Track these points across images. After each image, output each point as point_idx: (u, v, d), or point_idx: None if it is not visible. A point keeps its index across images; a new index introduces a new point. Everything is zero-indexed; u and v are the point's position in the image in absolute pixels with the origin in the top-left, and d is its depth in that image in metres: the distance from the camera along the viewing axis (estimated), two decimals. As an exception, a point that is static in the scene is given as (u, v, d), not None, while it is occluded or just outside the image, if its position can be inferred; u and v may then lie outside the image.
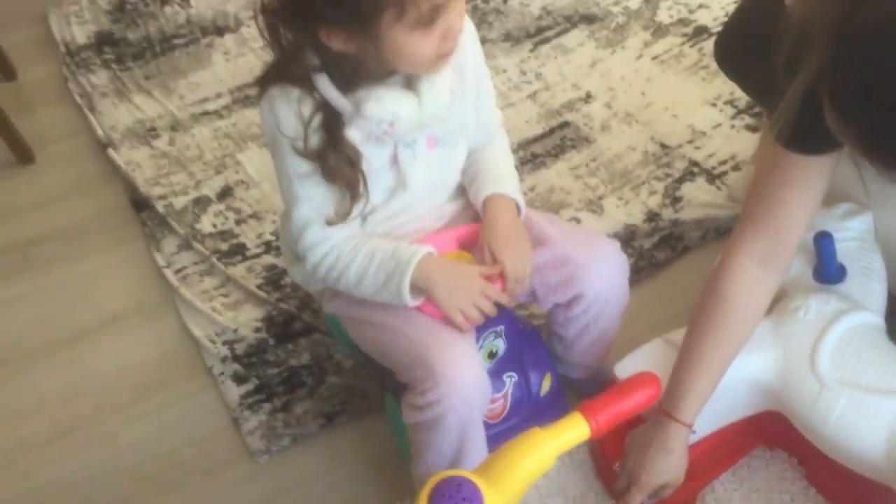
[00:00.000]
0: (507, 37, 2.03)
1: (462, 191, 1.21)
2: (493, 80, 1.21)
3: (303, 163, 1.05)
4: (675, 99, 1.84)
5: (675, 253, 1.57)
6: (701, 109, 1.81)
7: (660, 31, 2.00)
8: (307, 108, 1.02)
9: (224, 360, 1.50)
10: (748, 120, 1.77)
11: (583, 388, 1.34)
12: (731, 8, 2.00)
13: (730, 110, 1.79)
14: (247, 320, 1.55)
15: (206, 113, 1.96)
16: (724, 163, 1.70)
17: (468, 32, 1.08)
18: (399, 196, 1.12)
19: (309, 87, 1.01)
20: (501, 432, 1.22)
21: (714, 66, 1.84)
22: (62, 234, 1.76)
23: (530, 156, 1.76)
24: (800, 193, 1.06)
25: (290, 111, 1.02)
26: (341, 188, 1.07)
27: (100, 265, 1.70)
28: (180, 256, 1.68)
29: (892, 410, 1.07)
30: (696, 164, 1.70)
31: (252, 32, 2.16)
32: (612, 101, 1.86)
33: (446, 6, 0.95)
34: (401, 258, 1.08)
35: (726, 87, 1.78)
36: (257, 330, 1.53)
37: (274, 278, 1.61)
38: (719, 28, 1.96)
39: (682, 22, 2.00)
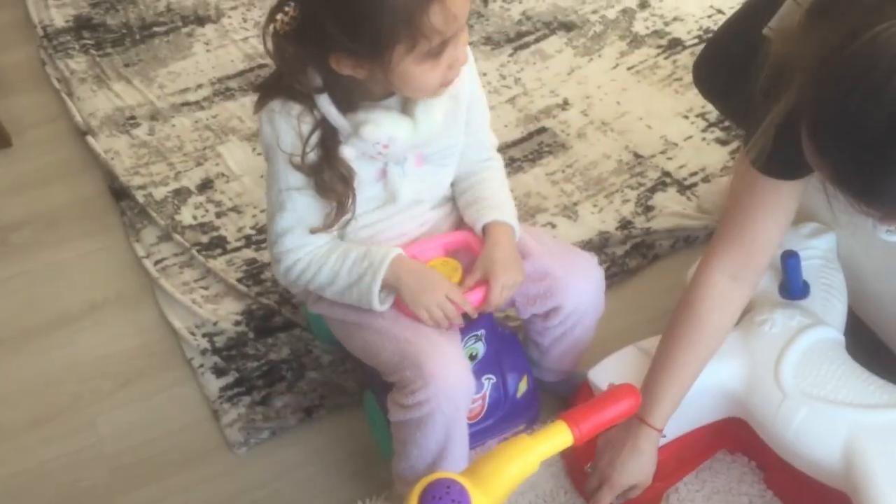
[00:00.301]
0: (488, 40, 2.07)
1: (445, 199, 1.24)
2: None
3: (297, 176, 1.08)
4: (649, 109, 1.89)
5: (646, 260, 1.62)
6: (674, 121, 1.87)
7: (636, 41, 2.05)
8: (307, 126, 1.05)
9: (204, 352, 1.52)
10: (718, 133, 1.83)
11: (556, 390, 1.39)
12: (705, 22, 2.07)
13: (701, 123, 1.85)
14: (227, 313, 1.57)
15: (186, 103, 1.97)
16: (694, 174, 1.76)
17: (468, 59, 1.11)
18: (387, 208, 1.15)
19: (310, 103, 1.04)
20: (478, 431, 1.27)
21: (687, 78, 1.92)
22: (40, 220, 1.76)
23: (508, 160, 1.79)
24: (771, 215, 1.11)
25: (290, 128, 1.05)
26: (331, 202, 1.10)
27: (79, 253, 1.70)
28: (160, 247, 1.69)
29: (849, 421, 1.14)
30: (667, 174, 1.76)
31: (233, 24, 2.18)
32: (589, 108, 1.91)
33: (454, 40, 0.99)
34: (373, 259, 1.12)
35: (698, 100, 1.83)
36: (237, 323, 1.56)
37: (254, 272, 1.63)
38: (693, 41, 2.03)
39: (658, 34, 2.06)
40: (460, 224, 1.24)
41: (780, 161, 1.05)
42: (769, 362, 1.20)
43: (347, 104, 1.04)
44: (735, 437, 1.29)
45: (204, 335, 1.54)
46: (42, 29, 2.16)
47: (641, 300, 1.56)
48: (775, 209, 1.11)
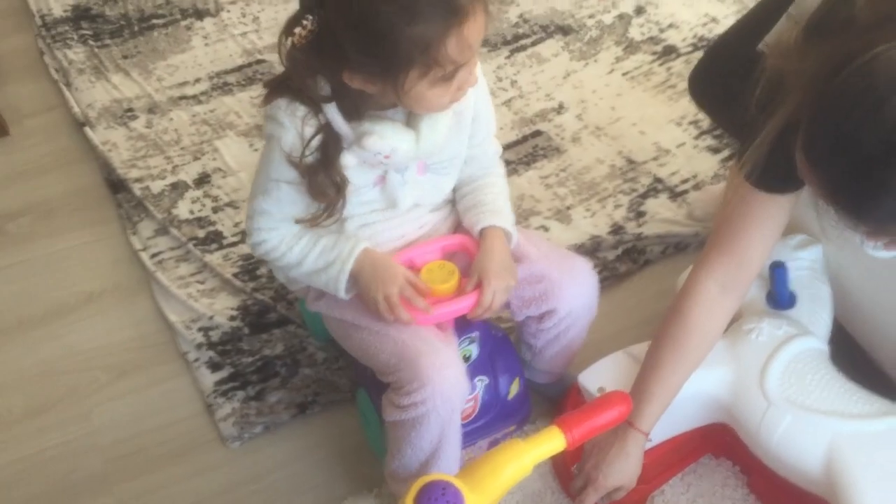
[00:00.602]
0: (485, 42, 2.09)
1: (444, 202, 1.26)
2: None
3: (290, 171, 1.10)
4: (642, 115, 1.92)
5: (637, 265, 1.65)
6: (667, 127, 1.89)
7: (631, 47, 2.07)
8: (310, 128, 1.06)
9: (199, 346, 1.54)
10: (710, 141, 1.86)
11: (547, 391, 1.42)
12: (700, 30, 2.10)
13: (693, 130, 1.88)
14: (222, 308, 1.59)
15: (184, 97, 1.98)
16: (685, 181, 1.78)
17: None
18: (387, 211, 1.18)
19: (315, 107, 1.06)
20: (470, 431, 1.29)
21: (681, 86, 1.95)
22: (37, 211, 1.77)
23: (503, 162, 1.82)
24: (762, 227, 1.14)
25: (293, 127, 1.07)
26: (320, 204, 1.12)
27: (75, 244, 1.71)
28: (157, 241, 1.70)
29: (831, 430, 1.17)
30: (659, 180, 1.79)
31: (232, 18, 2.19)
32: (584, 113, 1.93)
33: (467, 65, 1.01)
34: (342, 250, 1.15)
35: (691, 107, 1.86)
36: (232, 318, 1.58)
37: (250, 268, 1.65)
38: (688, 49, 2.06)
39: (653, 40, 2.09)
40: (459, 226, 1.26)
41: (773, 175, 1.07)
42: (755, 370, 1.23)
43: (354, 113, 1.06)
44: (720, 442, 1.32)
45: (199, 329, 1.56)
46: (40, 18, 2.16)
47: (631, 305, 1.59)
48: (766, 222, 1.14)
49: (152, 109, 1.95)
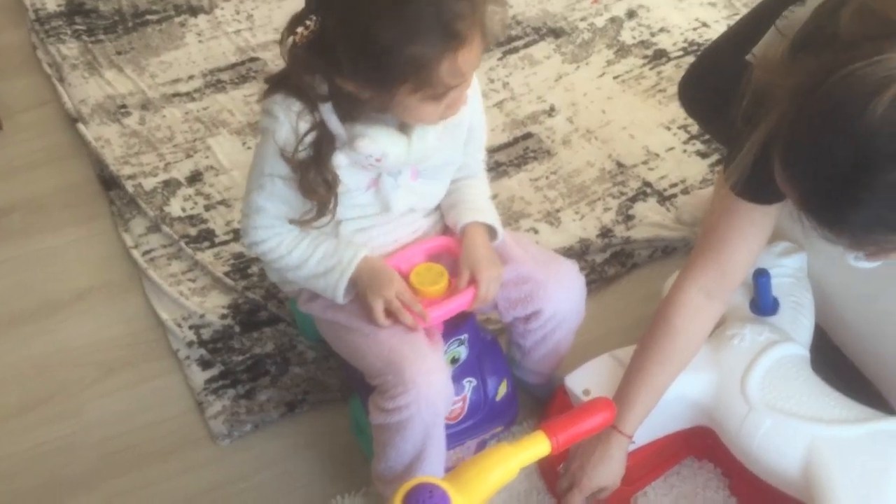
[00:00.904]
0: (478, 43, 2.10)
1: (436, 207, 1.28)
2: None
3: (283, 166, 1.12)
4: (633, 119, 1.94)
5: (625, 269, 1.67)
6: (656, 132, 1.91)
7: (622, 50, 2.09)
8: (304, 124, 1.08)
9: (190, 344, 1.55)
10: (699, 146, 1.88)
11: (536, 392, 1.44)
12: (691, 35, 2.12)
13: (683, 135, 1.90)
14: (213, 306, 1.60)
15: (177, 94, 1.99)
16: (674, 185, 1.80)
17: (473, 87, 1.15)
18: (381, 216, 1.19)
19: (312, 105, 1.07)
20: (458, 432, 1.31)
21: (671, 90, 1.96)
22: (29, 206, 1.78)
23: (494, 164, 1.84)
24: (747, 237, 1.16)
25: (288, 122, 1.08)
26: (311, 203, 1.13)
27: (67, 240, 1.72)
28: (148, 238, 1.71)
29: (810, 434, 1.19)
30: (648, 184, 1.81)
31: (226, 15, 2.19)
32: (574, 116, 1.95)
33: (458, 87, 1.03)
34: (343, 257, 1.17)
35: (681, 112, 1.87)
36: (223, 316, 1.59)
37: (241, 266, 1.66)
38: (678, 53, 2.08)
39: (644, 44, 2.10)
40: (445, 231, 1.28)
41: (758, 186, 1.09)
42: (737, 375, 1.26)
43: (348, 114, 1.08)
44: (702, 445, 1.34)
45: (190, 327, 1.57)
46: (34, 12, 2.16)
47: (619, 308, 1.61)
48: (751, 231, 1.16)
49: (145, 106, 1.96)
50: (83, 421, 1.47)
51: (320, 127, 1.08)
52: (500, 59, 2.08)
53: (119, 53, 2.08)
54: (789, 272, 1.36)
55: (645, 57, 2.08)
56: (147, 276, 1.64)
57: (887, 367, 1.31)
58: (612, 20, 2.16)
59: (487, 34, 1.03)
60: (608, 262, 1.67)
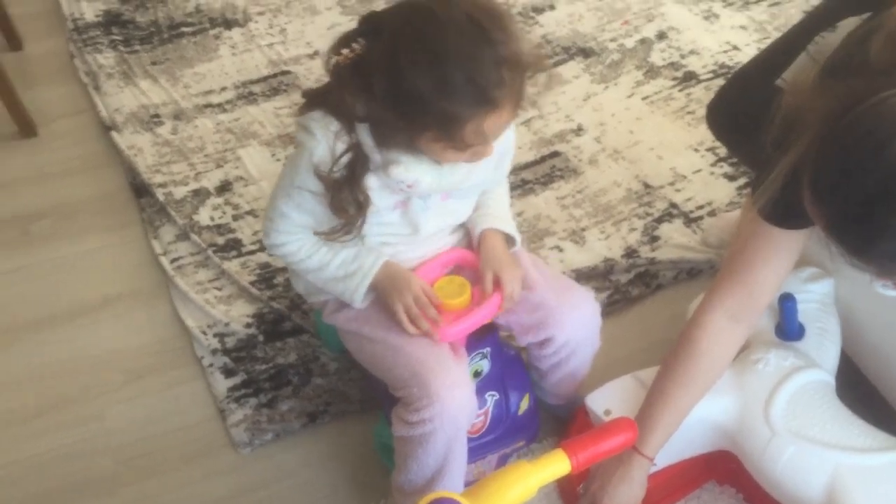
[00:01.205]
0: (507, 62, 2.11)
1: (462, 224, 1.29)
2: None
3: (314, 182, 1.13)
4: (660, 140, 1.94)
5: (649, 290, 1.67)
6: (684, 153, 1.91)
7: (652, 72, 2.09)
8: (341, 144, 1.09)
9: (214, 352, 1.56)
10: (727, 168, 1.87)
11: (556, 412, 1.44)
12: (721, 57, 2.12)
13: (710, 157, 1.90)
14: (238, 315, 1.62)
15: (209, 105, 2.02)
16: (701, 207, 1.80)
17: None
18: (410, 237, 1.20)
19: (349, 125, 1.08)
20: (480, 446, 1.31)
21: (699, 112, 1.96)
22: (61, 212, 1.81)
23: (520, 181, 1.84)
24: (774, 260, 1.16)
25: (325, 141, 1.09)
26: (340, 220, 1.14)
27: (97, 246, 1.75)
28: (177, 246, 1.73)
29: (833, 462, 1.18)
30: (675, 205, 1.80)
31: (259, 29, 2.22)
32: (602, 136, 1.95)
33: (479, 145, 1.05)
34: (364, 262, 1.19)
35: (709, 134, 1.86)
36: (248, 325, 1.60)
37: (267, 276, 1.68)
38: (708, 76, 2.08)
39: (674, 66, 2.10)
40: (467, 245, 1.29)
41: (786, 211, 1.09)
42: (760, 400, 1.25)
43: (383, 139, 1.09)
44: (724, 469, 1.33)
45: (215, 335, 1.59)
46: (72, 22, 2.21)
47: (642, 328, 1.60)
48: (778, 256, 1.15)
49: (178, 116, 1.99)
50: (105, 426, 1.48)
51: (356, 148, 1.09)
52: (529, 77, 2.08)
53: (154, 64, 2.11)
54: (816, 298, 1.35)
55: (674, 79, 2.08)
56: (174, 283, 1.66)
57: (914, 396, 1.30)
58: (643, 41, 2.17)
59: (521, 101, 1.05)
60: (632, 283, 1.67)
